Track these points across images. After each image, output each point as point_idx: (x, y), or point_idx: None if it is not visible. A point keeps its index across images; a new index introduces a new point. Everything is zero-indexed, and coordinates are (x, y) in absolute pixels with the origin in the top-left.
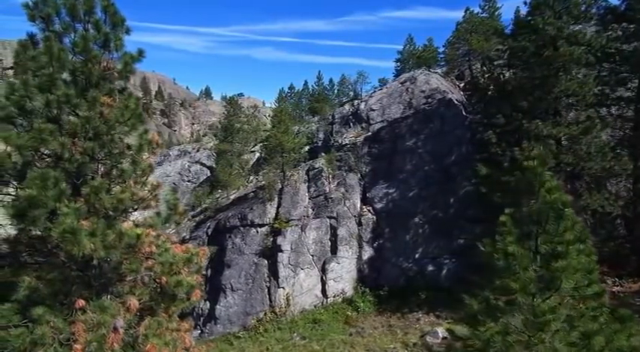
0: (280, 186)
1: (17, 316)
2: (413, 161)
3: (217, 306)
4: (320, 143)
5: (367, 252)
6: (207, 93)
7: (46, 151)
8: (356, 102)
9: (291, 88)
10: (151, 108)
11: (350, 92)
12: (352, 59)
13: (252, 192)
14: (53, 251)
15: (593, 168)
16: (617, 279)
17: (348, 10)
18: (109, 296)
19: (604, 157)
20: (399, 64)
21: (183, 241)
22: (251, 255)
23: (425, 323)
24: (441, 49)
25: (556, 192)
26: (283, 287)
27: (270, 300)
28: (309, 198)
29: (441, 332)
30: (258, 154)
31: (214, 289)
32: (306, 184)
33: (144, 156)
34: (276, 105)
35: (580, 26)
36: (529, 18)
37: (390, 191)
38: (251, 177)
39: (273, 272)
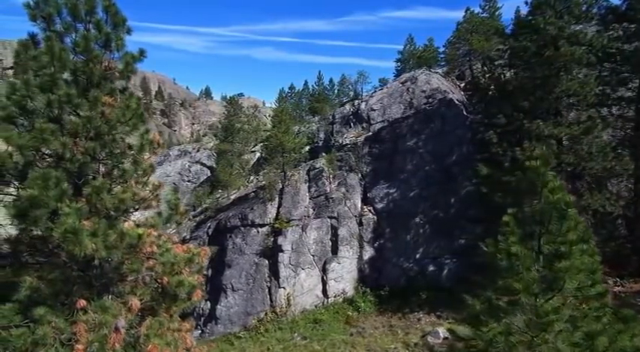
0: (281, 186)
1: (18, 316)
2: (414, 161)
3: (218, 306)
4: (320, 143)
5: (368, 252)
6: (207, 93)
7: (48, 151)
8: (356, 102)
9: (291, 88)
10: (151, 108)
11: (350, 92)
12: (352, 59)
13: (253, 192)
14: (54, 251)
15: (594, 168)
16: (618, 279)
17: (348, 10)
18: (110, 297)
19: (605, 157)
20: (399, 64)
21: (183, 241)
22: (252, 254)
23: (426, 324)
24: (442, 49)
25: (559, 192)
26: (284, 287)
27: (271, 300)
28: (310, 198)
29: (442, 332)
30: (258, 154)
31: (215, 289)
32: (307, 184)
33: (145, 156)
34: (277, 105)
35: (581, 26)
36: (530, 18)
37: (391, 191)
38: (251, 177)
39: (274, 272)
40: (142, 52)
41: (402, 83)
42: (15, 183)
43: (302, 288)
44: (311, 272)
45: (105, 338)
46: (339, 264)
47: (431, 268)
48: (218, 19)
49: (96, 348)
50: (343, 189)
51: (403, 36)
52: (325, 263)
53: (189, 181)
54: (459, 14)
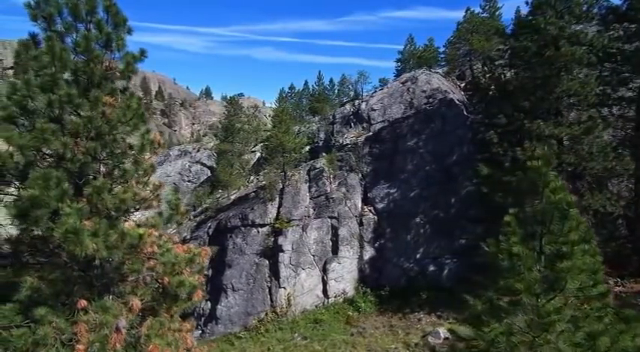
0: (281, 186)
1: (19, 316)
2: (414, 161)
3: (218, 306)
4: (321, 143)
5: (368, 252)
6: (207, 93)
7: (49, 151)
8: (357, 102)
9: (291, 88)
10: (151, 108)
11: (350, 92)
12: (352, 59)
13: (253, 192)
14: (55, 251)
15: (594, 169)
16: (618, 280)
17: (348, 10)
18: (110, 297)
19: (606, 157)
20: (399, 63)
21: (184, 241)
22: (252, 255)
23: (426, 324)
24: (442, 49)
25: (561, 193)
26: (284, 288)
27: (272, 300)
28: (310, 198)
29: (442, 332)
30: (258, 154)
31: (215, 289)
32: (307, 184)
33: (146, 156)
34: (277, 105)
35: (581, 26)
36: (530, 18)
37: (392, 191)
38: (252, 177)
39: (275, 273)
40: (142, 52)
41: (403, 83)
42: (16, 183)
43: (302, 288)
44: (311, 272)
45: (106, 339)
46: (340, 264)
47: (431, 268)
48: (218, 19)
49: (97, 348)
50: (344, 189)
51: (403, 36)
52: (326, 263)
53: (189, 181)
54: (459, 14)
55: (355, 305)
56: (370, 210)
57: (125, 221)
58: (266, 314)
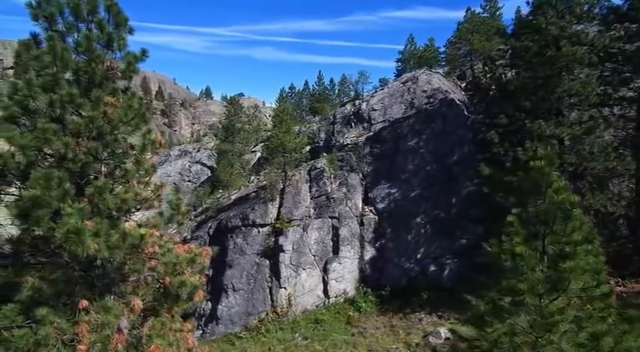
0: (282, 186)
1: (20, 317)
2: (415, 161)
3: (219, 306)
4: (321, 143)
5: (369, 252)
6: (207, 93)
7: (50, 151)
8: (357, 102)
9: (291, 88)
10: (151, 108)
11: (351, 92)
12: (352, 59)
13: (254, 192)
14: (56, 251)
15: (595, 168)
16: (619, 280)
17: (348, 10)
18: (112, 297)
19: (607, 157)
20: (400, 63)
21: (184, 241)
22: (253, 255)
23: (427, 324)
24: (442, 49)
25: (564, 193)
26: (285, 288)
27: (272, 300)
28: (311, 198)
29: (443, 332)
30: (259, 154)
31: (216, 289)
32: (308, 184)
33: (147, 156)
34: (277, 105)
35: (582, 26)
36: (531, 18)
37: (392, 191)
38: (252, 177)
39: (275, 273)
40: (143, 52)
41: (403, 83)
42: (17, 183)
43: (303, 288)
44: (312, 272)
45: (107, 339)
46: (340, 264)
47: (432, 268)
48: (218, 19)
49: (98, 349)
50: (344, 189)
51: (403, 36)
52: (326, 263)
53: (189, 181)
54: (459, 14)
55: (356, 306)
56: (371, 210)
57: (126, 221)
58: (267, 314)
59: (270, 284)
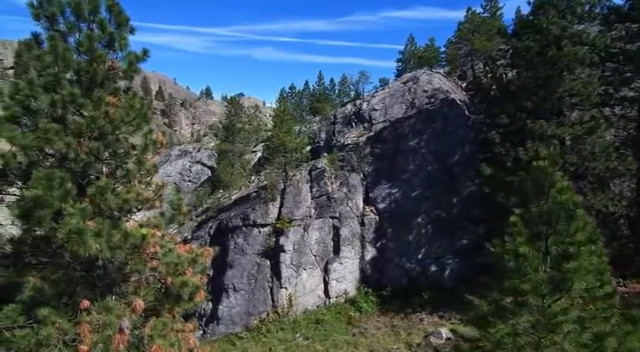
0: (282, 186)
1: (22, 317)
2: (416, 161)
3: (220, 307)
4: (322, 143)
5: (370, 253)
6: (207, 93)
7: (51, 151)
8: (358, 102)
9: (292, 88)
10: (151, 108)
11: (351, 92)
12: (353, 59)
13: (255, 192)
14: (57, 251)
15: (597, 169)
16: (621, 280)
17: (349, 10)
18: (113, 297)
19: (608, 157)
20: (400, 64)
21: (185, 241)
22: (253, 255)
23: (428, 324)
24: (443, 49)
25: (567, 193)
26: (286, 288)
27: (273, 300)
28: (312, 198)
29: (444, 332)
30: (259, 154)
31: (217, 289)
32: (309, 184)
33: (148, 156)
34: (277, 105)
35: (583, 26)
36: (532, 17)
37: (393, 191)
38: (253, 177)
39: (276, 273)
40: (145, 52)
41: (404, 83)
42: (19, 183)
43: (304, 288)
44: (313, 272)
45: (109, 339)
46: (341, 264)
47: (433, 268)
48: (218, 19)
49: (100, 349)
50: (345, 189)
51: (404, 36)
52: (327, 263)
53: (190, 181)
54: (459, 14)
55: (357, 306)
56: (372, 210)
57: (127, 221)
58: (267, 314)
59: (270, 285)
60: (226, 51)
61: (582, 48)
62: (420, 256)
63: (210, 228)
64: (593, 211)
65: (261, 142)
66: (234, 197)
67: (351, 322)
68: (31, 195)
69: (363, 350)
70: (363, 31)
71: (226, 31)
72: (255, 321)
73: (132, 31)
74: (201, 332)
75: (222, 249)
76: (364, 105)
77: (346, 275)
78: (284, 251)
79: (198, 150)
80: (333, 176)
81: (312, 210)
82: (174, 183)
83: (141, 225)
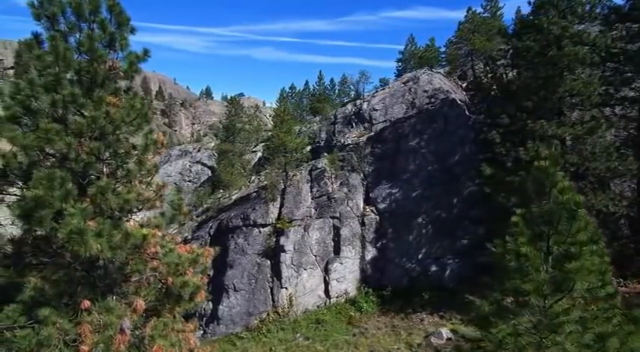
0: (283, 186)
1: (23, 317)
2: (416, 161)
3: (220, 307)
4: (322, 143)
5: (370, 253)
6: (207, 93)
7: (52, 151)
8: (358, 102)
9: (292, 88)
10: (151, 108)
11: (351, 92)
12: (353, 59)
13: (255, 192)
14: (58, 251)
15: (597, 169)
16: (621, 280)
17: (349, 10)
18: (114, 297)
19: (608, 157)
20: (400, 64)
21: (185, 241)
22: (254, 255)
23: (429, 324)
24: (443, 49)
25: (568, 193)
26: (286, 288)
27: (273, 301)
28: (312, 198)
29: (445, 332)
30: (259, 154)
31: (217, 289)
32: (309, 184)
33: (149, 156)
34: (277, 105)
35: (584, 26)
36: (532, 17)
37: (394, 191)
38: (253, 177)
39: (276, 273)
40: (146, 52)
41: (404, 83)
42: (19, 183)
43: (304, 289)
44: (313, 272)
45: (110, 340)
46: (342, 264)
47: (433, 268)
48: (218, 19)
49: (101, 349)
50: (345, 189)
51: (404, 36)
52: (327, 263)
53: (190, 181)
54: (459, 14)
55: (357, 306)
56: (372, 210)
57: (127, 221)
58: (268, 314)
59: (271, 285)
60: (226, 51)
61: (583, 48)
62: (420, 256)
63: (211, 228)
64: (593, 211)
65: (262, 142)
66: (234, 197)
67: (351, 322)
68: (32, 195)
69: (363, 350)
70: (363, 31)
71: (226, 31)
72: (255, 321)
73: (132, 31)
74: (202, 332)
75: (222, 249)
76: (364, 105)
77: (346, 276)
78: (284, 251)
79: (199, 150)
80: (333, 176)
81: (313, 210)
82: (175, 183)
83: (141, 225)
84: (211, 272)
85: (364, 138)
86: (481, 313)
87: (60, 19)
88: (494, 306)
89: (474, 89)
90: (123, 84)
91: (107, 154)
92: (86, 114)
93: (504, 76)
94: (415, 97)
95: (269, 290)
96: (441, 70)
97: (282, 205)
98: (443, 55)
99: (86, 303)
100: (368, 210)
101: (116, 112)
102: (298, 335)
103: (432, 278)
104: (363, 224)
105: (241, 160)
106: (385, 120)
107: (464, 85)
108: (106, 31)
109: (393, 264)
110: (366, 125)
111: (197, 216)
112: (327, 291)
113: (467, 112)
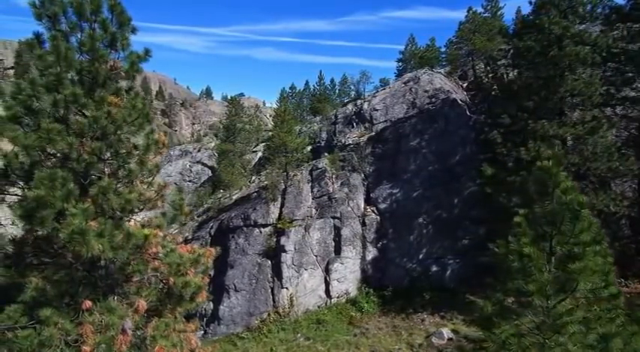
0: (283, 186)
1: (24, 317)
2: (417, 161)
3: (221, 307)
4: (323, 143)
5: (371, 253)
6: (207, 93)
7: (54, 151)
8: (359, 102)
9: (292, 88)
10: (152, 108)
11: (351, 92)
12: (353, 59)
13: (255, 192)
14: (59, 251)
15: (598, 169)
16: (622, 280)
17: (349, 10)
18: (115, 298)
19: (610, 157)
20: (400, 64)
21: (186, 241)
22: (254, 255)
23: (430, 324)
24: (443, 49)
25: (572, 193)
26: (287, 288)
27: (274, 301)
28: (313, 198)
29: (446, 332)
30: (260, 154)
31: (218, 289)
32: (310, 184)
33: (150, 156)
34: (278, 105)
35: (585, 26)
36: (533, 17)
37: (394, 191)
38: (253, 177)
39: (277, 273)
40: (147, 52)
41: (405, 83)
42: (21, 183)
43: (305, 289)
44: (314, 272)
45: (112, 340)
46: (342, 264)
47: (434, 268)
48: (218, 19)
49: (103, 350)
50: (346, 189)
51: (404, 36)
52: (328, 263)
53: (190, 181)
54: (460, 14)
55: (358, 306)
56: (373, 211)
57: (129, 221)
58: (268, 314)
59: (272, 285)
60: (227, 51)
61: (584, 48)
62: (421, 256)
63: (211, 228)
64: (594, 211)
65: (262, 142)
66: (234, 197)
67: (352, 322)
68: (34, 195)
69: (364, 350)
70: (364, 31)
71: (227, 31)
72: (256, 321)
73: (134, 30)
74: (202, 332)
75: (223, 249)
76: (365, 105)
77: (347, 276)
78: (285, 251)
79: (199, 150)
80: (334, 176)
81: (313, 210)
82: (175, 183)
83: (143, 226)
84: (212, 273)
85: (365, 138)
86: (484, 313)
87: (61, 19)
88: (497, 307)
89: (475, 89)
90: (124, 84)
91: (109, 154)
92: (88, 114)
93: (505, 76)
94: (416, 97)
95: (270, 291)
96: (442, 70)
97: (282, 205)
98: (443, 55)
99: (87, 304)
100: (369, 210)
101: (118, 112)
102: (299, 335)
103: (433, 279)
104: (363, 224)
105: (242, 160)
106: (386, 120)
107: (464, 85)
108: (108, 30)
109: (393, 264)
110: (367, 125)
111: (198, 216)
112: (327, 291)
113: (468, 112)
